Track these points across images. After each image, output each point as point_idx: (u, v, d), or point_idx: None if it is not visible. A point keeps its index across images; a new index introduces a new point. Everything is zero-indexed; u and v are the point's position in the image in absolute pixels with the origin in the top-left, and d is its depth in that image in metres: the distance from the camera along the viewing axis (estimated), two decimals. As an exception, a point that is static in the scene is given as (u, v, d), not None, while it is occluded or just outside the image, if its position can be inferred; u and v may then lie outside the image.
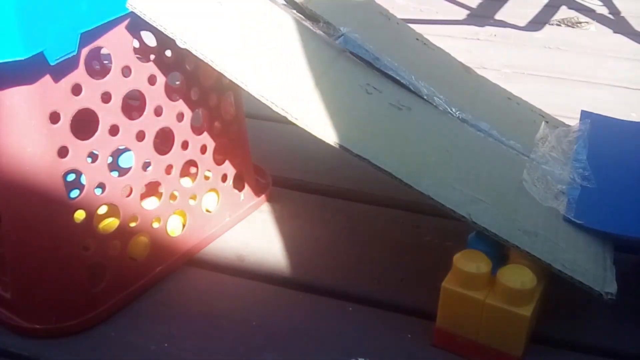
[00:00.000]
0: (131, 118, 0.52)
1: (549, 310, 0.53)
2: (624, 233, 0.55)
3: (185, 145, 0.57)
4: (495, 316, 0.47)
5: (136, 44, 0.52)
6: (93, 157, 0.50)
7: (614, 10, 1.31)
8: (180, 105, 0.56)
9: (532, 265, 0.48)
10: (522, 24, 1.22)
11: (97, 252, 0.52)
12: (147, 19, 0.49)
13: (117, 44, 0.49)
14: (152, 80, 0.53)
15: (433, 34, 0.79)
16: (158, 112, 0.54)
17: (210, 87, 0.59)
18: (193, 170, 0.60)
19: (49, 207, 0.48)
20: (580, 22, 1.24)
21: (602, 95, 0.94)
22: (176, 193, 0.58)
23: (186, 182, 0.60)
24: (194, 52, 0.48)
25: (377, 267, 0.59)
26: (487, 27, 1.20)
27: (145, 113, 0.53)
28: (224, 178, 0.63)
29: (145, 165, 0.54)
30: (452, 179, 0.51)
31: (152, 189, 0.56)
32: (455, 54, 0.74)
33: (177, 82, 0.56)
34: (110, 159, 0.51)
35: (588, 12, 1.29)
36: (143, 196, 0.56)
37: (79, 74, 0.47)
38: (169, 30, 0.48)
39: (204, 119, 0.59)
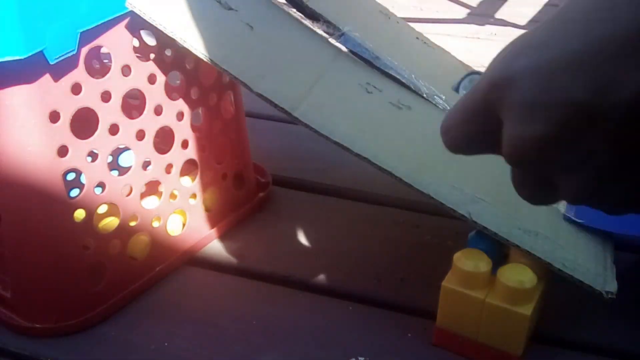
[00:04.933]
0: (131, 117, 0.52)
1: (549, 309, 0.52)
2: (624, 232, 0.55)
3: (185, 144, 0.57)
4: (496, 315, 0.47)
5: (136, 43, 0.51)
6: (93, 156, 0.50)
7: (614, 10, 1.30)
8: (180, 105, 0.56)
9: (532, 265, 0.48)
10: (523, 22, 1.22)
11: (97, 252, 0.52)
12: (146, 17, 0.48)
13: (116, 43, 0.49)
14: (152, 79, 0.53)
15: (433, 33, 0.79)
16: (158, 111, 0.54)
17: (210, 86, 0.59)
18: (193, 169, 0.60)
19: (49, 206, 0.48)
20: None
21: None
22: (176, 192, 0.58)
23: (186, 181, 0.60)
24: (194, 51, 0.48)
25: (377, 267, 0.59)
26: (488, 26, 1.20)
27: (145, 112, 0.53)
28: (224, 177, 0.63)
29: (145, 165, 0.54)
30: (452, 178, 0.51)
31: (152, 188, 0.56)
32: (456, 53, 0.74)
33: (177, 81, 0.56)
34: (110, 158, 0.51)
35: (588, 11, 1.29)
36: (143, 195, 0.56)
37: (79, 73, 0.47)
38: (168, 29, 0.48)
39: (204, 118, 0.59)
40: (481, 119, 0.28)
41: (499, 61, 0.27)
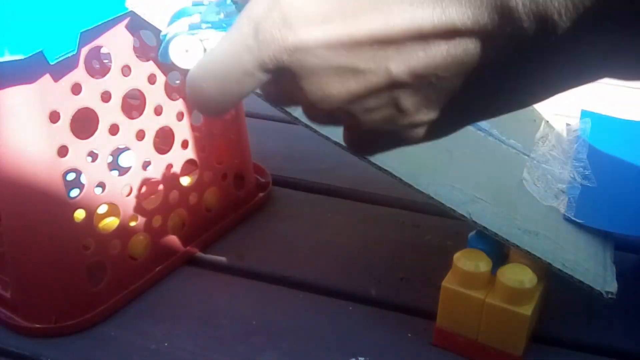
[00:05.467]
0: (131, 117, 0.52)
1: (549, 309, 0.52)
2: (625, 232, 0.55)
3: (185, 144, 0.57)
4: (496, 315, 0.47)
5: (136, 43, 0.52)
6: (93, 156, 0.50)
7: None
8: (180, 105, 0.56)
9: (532, 265, 0.48)
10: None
11: (97, 252, 0.52)
12: (146, 18, 0.48)
13: (116, 43, 0.49)
14: (152, 79, 0.53)
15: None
16: (158, 111, 0.54)
17: (210, 87, 0.59)
18: (193, 169, 0.60)
19: (48, 206, 0.48)
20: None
21: (602, 95, 0.94)
22: (176, 192, 0.58)
23: (186, 181, 0.60)
24: (194, 51, 0.48)
25: (377, 267, 0.59)
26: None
27: (145, 112, 0.53)
28: (224, 177, 0.63)
29: (146, 165, 0.54)
30: (452, 178, 0.51)
31: (152, 187, 0.56)
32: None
33: (177, 81, 0.56)
34: (110, 158, 0.51)
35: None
36: (143, 195, 0.56)
37: (79, 73, 0.47)
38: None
39: (204, 118, 0.59)
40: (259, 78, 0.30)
41: (272, 28, 0.28)
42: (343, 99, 0.30)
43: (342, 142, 0.49)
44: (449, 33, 0.27)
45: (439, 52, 0.27)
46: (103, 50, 0.50)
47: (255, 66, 0.29)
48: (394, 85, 0.29)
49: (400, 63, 0.28)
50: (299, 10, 0.28)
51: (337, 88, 0.30)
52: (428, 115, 0.32)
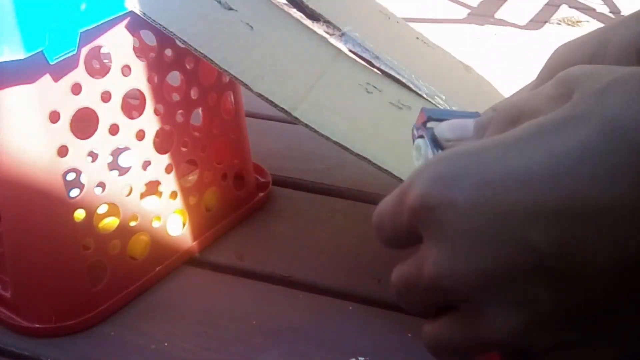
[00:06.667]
0: (131, 117, 0.52)
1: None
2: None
3: (185, 144, 0.57)
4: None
5: (136, 43, 0.51)
6: (93, 156, 0.50)
7: (615, 9, 1.31)
8: (180, 105, 0.56)
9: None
10: (523, 23, 1.22)
11: (97, 252, 0.52)
12: (146, 18, 0.48)
13: (116, 43, 0.49)
14: (151, 79, 0.53)
15: (433, 33, 0.79)
16: (158, 111, 0.54)
17: (210, 86, 0.59)
18: (193, 169, 0.60)
19: (48, 206, 0.48)
20: (580, 21, 1.24)
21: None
22: (176, 192, 0.58)
23: (186, 181, 0.59)
24: (194, 52, 0.48)
25: (377, 267, 0.59)
26: (488, 26, 1.20)
27: (145, 112, 0.53)
28: (224, 177, 0.63)
29: (145, 165, 0.54)
30: None
31: (152, 187, 0.56)
32: (456, 53, 0.74)
33: (177, 81, 0.56)
34: (110, 158, 0.51)
35: (589, 11, 1.29)
36: (143, 195, 0.56)
37: (79, 73, 0.47)
38: (168, 30, 0.48)
39: (204, 118, 0.59)
40: (404, 235, 0.27)
41: (433, 176, 0.25)
42: (465, 278, 0.24)
43: (342, 142, 0.49)
44: None
45: None
46: (103, 50, 0.50)
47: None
48: (542, 269, 0.23)
49: (564, 242, 0.22)
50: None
51: (462, 261, 0.24)
52: None
